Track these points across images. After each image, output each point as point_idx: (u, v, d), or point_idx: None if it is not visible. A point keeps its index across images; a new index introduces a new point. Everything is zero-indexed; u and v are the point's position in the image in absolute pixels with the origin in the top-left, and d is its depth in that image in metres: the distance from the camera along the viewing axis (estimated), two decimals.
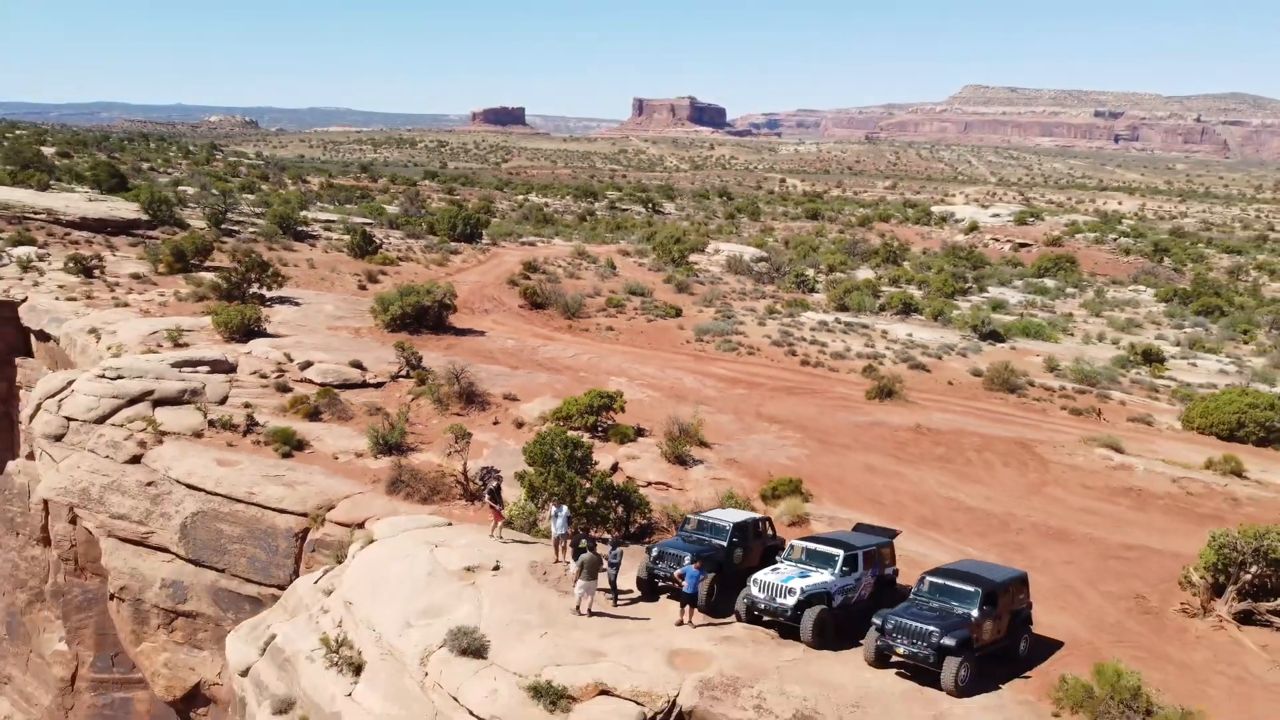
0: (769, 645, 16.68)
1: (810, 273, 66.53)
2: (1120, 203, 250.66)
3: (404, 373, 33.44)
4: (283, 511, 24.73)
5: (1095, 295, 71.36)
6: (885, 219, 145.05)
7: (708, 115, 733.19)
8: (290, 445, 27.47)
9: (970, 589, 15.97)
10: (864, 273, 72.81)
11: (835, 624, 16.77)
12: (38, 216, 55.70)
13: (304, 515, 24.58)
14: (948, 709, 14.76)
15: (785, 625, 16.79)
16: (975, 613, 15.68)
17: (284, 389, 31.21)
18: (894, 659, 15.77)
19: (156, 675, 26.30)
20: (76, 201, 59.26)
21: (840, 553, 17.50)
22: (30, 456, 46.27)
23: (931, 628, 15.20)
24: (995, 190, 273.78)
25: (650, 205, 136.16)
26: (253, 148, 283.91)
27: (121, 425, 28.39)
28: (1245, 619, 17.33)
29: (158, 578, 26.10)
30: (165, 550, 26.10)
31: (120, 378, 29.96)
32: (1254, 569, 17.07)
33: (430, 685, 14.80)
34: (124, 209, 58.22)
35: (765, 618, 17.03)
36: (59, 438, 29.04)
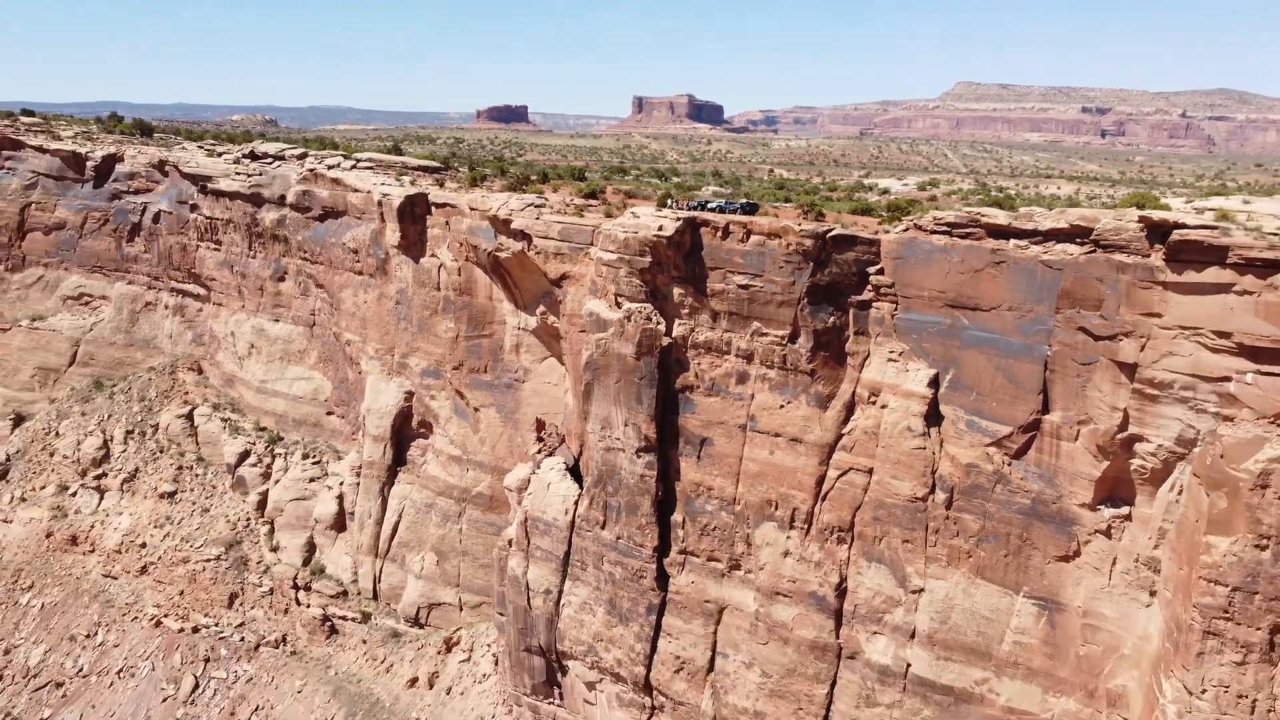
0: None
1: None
2: (1059, 187, 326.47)
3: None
4: None
5: None
6: (832, 189, 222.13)
7: (706, 112, 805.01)
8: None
9: (740, 200, 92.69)
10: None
11: (719, 209, 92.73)
12: (395, 165, 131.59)
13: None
14: None
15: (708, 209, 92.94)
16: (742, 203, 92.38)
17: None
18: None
19: (549, 273, 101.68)
20: (404, 157, 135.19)
21: (725, 196, 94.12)
22: (433, 255, 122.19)
23: (736, 204, 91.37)
24: (955, 178, 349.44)
25: (662, 177, 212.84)
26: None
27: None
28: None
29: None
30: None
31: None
32: None
33: None
34: (430, 161, 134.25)
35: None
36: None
